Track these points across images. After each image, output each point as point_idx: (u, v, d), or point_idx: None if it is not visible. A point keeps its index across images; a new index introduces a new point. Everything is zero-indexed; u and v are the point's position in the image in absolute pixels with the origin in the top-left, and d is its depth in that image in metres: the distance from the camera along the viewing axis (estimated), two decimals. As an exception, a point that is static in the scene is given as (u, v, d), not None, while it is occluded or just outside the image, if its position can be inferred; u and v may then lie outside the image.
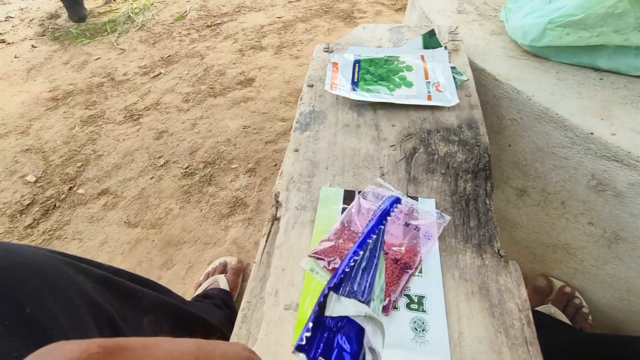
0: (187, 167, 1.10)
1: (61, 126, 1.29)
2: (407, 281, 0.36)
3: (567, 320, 0.65)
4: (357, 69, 0.61)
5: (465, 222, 0.41)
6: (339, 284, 0.25)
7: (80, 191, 1.07)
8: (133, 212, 1.00)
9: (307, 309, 0.35)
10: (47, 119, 1.32)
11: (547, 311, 0.67)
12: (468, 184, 0.45)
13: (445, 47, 0.65)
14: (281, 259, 0.39)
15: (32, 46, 1.73)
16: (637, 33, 0.53)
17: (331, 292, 0.23)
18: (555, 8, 0.58)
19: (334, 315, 0.22)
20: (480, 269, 0.37)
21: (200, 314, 0.54)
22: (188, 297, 0.79)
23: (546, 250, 0.70)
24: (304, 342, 0.21)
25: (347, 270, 0.26)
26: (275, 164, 1.09)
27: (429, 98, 0.55)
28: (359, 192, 0.44)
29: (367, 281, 0.27)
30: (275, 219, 0.43)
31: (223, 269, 0.82)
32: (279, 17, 1.78)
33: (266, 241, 0.42)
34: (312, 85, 0.61)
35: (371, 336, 0.22)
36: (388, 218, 0.33)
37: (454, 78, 0.57)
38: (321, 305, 0.22)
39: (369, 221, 0.34)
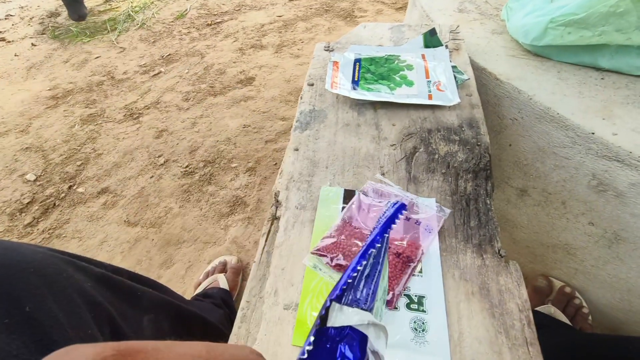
0: (187, 166, 1.10)
1: (61, 125, 1.28)
2: (410, 274, 0.36)
3: (567, 321, 0.65)
4: (357, 68, 0.60)
5: (465, 222, 0.41)
6: (341, 295, 0.25)
7: (80, 190, 1.07)
8: (133, 211, 1.00)
9: (307, 308, 0.35)
10: (47, 118, 1.32)
11: (547, 311, 0.67)
12: (468, 184, 0.45)
13: (446, 46, 0.65)
14: (281, 259, 0.39)
15: (32, 44, 1.72)
16: (639, 32, 0.53)
17: (333, 303, 0.23)
18: (556, 7, 0.58)
19: (337, 325, 0.22)
20: (481, 269, 0.37)
21: (200, 313, 0.54)
22: (188, 296, 0.79)
23: (546, 250, 0.70)
24: (305, 356, 0.20)
25: (349, 281, 0.26)
26: (275, 163, 1.09)
27: (430, 97, 0.55)
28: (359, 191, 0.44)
29: (370, 289, 0.27)
30: (275, 218, 0.43)
31: (223, 268, 0.82)
32: (280, 16, 1.78)
33: (266, 240, 0.41)
34: (312, 84, 0.61)
35: (374, 341, 0.22)
36: (393, 225, 0.33)
37: (455, 77, 0.57)
38: (323, 317, 0.22)
39: (373, 229, 0.34)
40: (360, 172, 0.47)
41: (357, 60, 0.62)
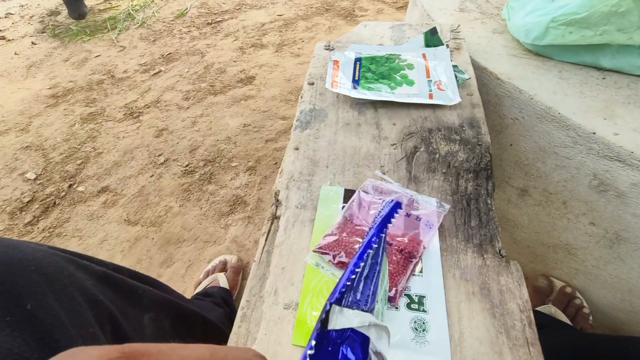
0: (187, 165, 1.10)
1: (61, 123, 1.28)
2: (413, 270, 0.36)
3: (567, 321, 0.65)
4: (358, 67, 0.60)
5: (466, 222, 0.41)
6: (340, 298, 0.25)
7: (80, 189, 1.07)
8: (133, 210, 1.00)
9: (307, 308, 0.35)
10: (47, 116, 1.32)
11: (547, 311, 0.67)
12: (469, 184, 0.45)
13: (447, 46, 0.64)
14: (281, 258, 0.39)
15: (32, 43, 1.72)
16: (640, 32, 0.53)
17: (333, 306, 0.23)
18: (558, 6, 0.58)
19: (338, 328, 0.22)
20: (481, 269, 0.37)
21: (200, 312, 0.54)
22: (188, 295, 0.79)
23: (547, 251, 0.69)
24: None
25: (348, 284, 0.26)
26: (276, 163, 1.08)
27: (431, 96, 0.55)
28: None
29: (370, 289, 0.27)
30: (275, 217, 0.43)
31: (223, 267, 0.82)
32: (280, 15, 1.78)
33: (266, 240, 0.41)
34: (312, 83, 0.61)
35: (376, 341, 0.22)
36: (389, 225, 0.33)
37: (456, 76, 0.57)
38: (323, 321, 0.22)
39: (370, 229, 0.33)
40: (361, 171, 0.47)
41: (358, 60, 0.62)
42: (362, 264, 0.28)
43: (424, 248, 0.38)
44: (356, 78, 0.58)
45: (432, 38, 0.66)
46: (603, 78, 0.59)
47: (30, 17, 1.93)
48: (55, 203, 1.03)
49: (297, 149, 0.50)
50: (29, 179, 1.10)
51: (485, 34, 0.71)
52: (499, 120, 0.65)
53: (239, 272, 0.83)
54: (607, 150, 0.51)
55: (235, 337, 0.34)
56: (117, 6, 1.95)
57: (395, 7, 1.76)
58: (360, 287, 0.26)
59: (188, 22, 1.78)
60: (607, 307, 0.65)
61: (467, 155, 0.48)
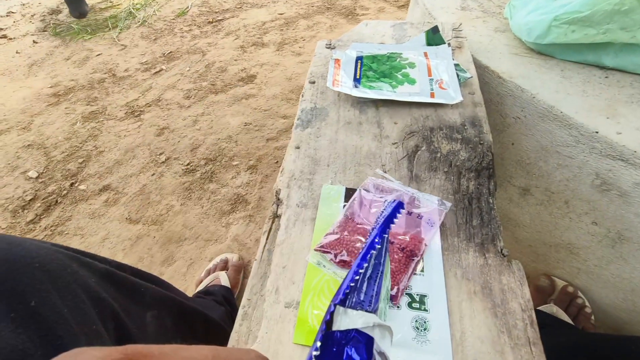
0: (188, 164, 1.10)
1: (62, 122, 1.29)
2: (414, 269, 0.36)
3: (569, 320, 0.65)
4: (359, 66, 0.60)
5: (468, 221, 0.41)
6: (344, 299, 0.25)
7: (82, 187, 1.07)
8: (134, 208, 1.00)
9: (308, 307, 0.35)
10: (48, 115, 1.32)
11: (549, 311, 0.67)
12: (471, 183, 0.45)
13: (449, 44, 0.64)
14: (282, 257, 0.39)
15: (34, 42, 1.72)
16: (644, 30, 0.53)
17: (337, 307, 0.23)
18: (560, 5, 0.57)
19: (342, 329, 0.22)
20: (483, 268, 0.37)
21: (202, 310, 0.54)
22: (189, 293, 0.79)
23: (549, 250, 0.69)
24: None
25: (352, 285, 0.26)
26: (277, 161, 1.08)
27: (432, 95, 0.54)
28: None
29: (373, 289, 0.27)
30: (276, 216, 0.43)
31: (224, 266, 0.82)
32: (281, 14, 1.77)
33: (267, 239, 0.41)
34: (313, 82, 0.61)
35: (380, 341, 0.22)
36: (391, 225, 0.33)
37: (458, 75, 0.57)
38: (328, 322, 0.22)
39: (372, 229, 0.33)
40: (362, 170, 0.47)
41: (359, 58, 0.62)
42: (365, 265, 0.28)
43: (426, 246, 0.38)
44: (357, 77, 0.58)
45: (433, 37, 0.65)
46: (606, 77, 0.59)
47: (32, 15, 1.93)
48: (57, 201, 1.03)
49: (298, 147, 0.50)
50: (31, 178, 1.10)
51: (487, 32, 0.71)
52: (500, 119, 0.65)
53: (240, 271, 0.83)
54: (610, 149, 0.50)
55: (237, 336, 0.34)
56: (118, 5, 1.95)
57: (396, 5, 1.76)
58: (364, 288, 0.26)
59: (189, 21, 1.78)
60: (609, 307, 0.65)
61: (469, 154, 0.48)
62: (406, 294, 0.35)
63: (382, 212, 0.35)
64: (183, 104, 1.31)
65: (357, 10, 1.73)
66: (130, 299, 0.41)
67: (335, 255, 0.37)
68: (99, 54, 1.61)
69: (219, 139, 1.17)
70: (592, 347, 0.48)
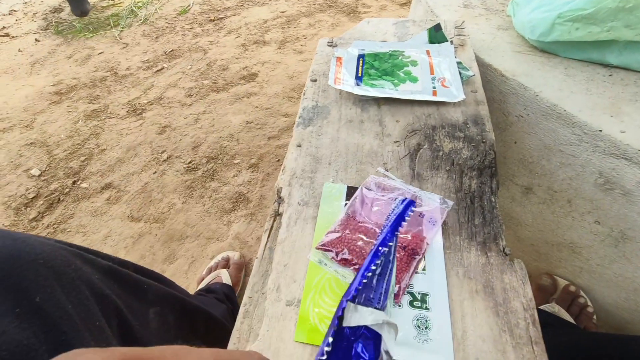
0: (190, 162, 1.10)
1: (65, 120, 1.29)
2: (416, 267, 0.36)
3: (571, 320, 0.65)
4: (361, 64, 0.60)
5: (470, 220, 0.41)
6: (356, 295, 0.25)
7: (84, 185, 1.07)
8: (136, 206, 1.00)
9: (309, 305, 0.35)
10: (50, 113, 1.32)
11: (551, 310, 0.66)
12: (473, 181, 0.45)
13: (451, 42, 0.64)
14: (283, 255, 0.39)
15: (36, 40, 1.73)
16: (649, 28, 0.52)
17: (349, 303, 0.23)
18: (564, 2, 0.57)
19: (352, 325, 0.22)
20: (485, 267, 0.37)
21: (204, 308, 0.54)
22: (190, 291, 0.79)
23: (551, 249, 0.69)
24: (324, 357, 0.20)
25: (364, 281, 0.26)
26: (278, 160, 1.08)
27: (434, 93, 0.54)
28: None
29: (382, 287, 0.27)
30: (278, 214, 0.43)
31: (225, 264, 0.82)
32: (283, 12, 1.77)
33: (268, 237, 0.41)
34: (315, 80, 0.60)
35: (387, 340, 0.22)
36: (403, 223, 0.33)
37: (460, 73, 0.56)
38: (340, 318, 0.22)
39: (383, 227, 0.33)
40: (364, 168, 0.47)
41: (361, 56, 0.61)
42: (377, 262, 0.28)
43: (427, 245, 0.38)
44: (359, 75, 0.58)
45: (436, 34, 0.65)
46: (610, 75, 0.59)
47: (34, 14, 1.93)
48: (59, 199, 1.04)
49: (299, 146, 0.50)
50: (34, 176, 1.10)
51: (489, 30, 0.71)
52: (503, 117, 0.64)
53: (242, 269, 0.83)
54: (614, 148, 0.50)
55: (238, 334, 0.34)
56: (119, 3, 1.95)
57: (398, 3, 1.75)
58: (374, 285, 0.26)
59: (190, 19, 1.78)
60: (612, 306, 0.65)
61: (471, 152, 0.47)
62: (408, 292, 0.35)
63: (393, 209, 0.35)
64: (185, 102, 1.31)
65: (359, 8, 1.73)
66: (133, 295, 0.41)
67: (337, 254, 0.37)
68: (100, 52, 1.61)
69: (220, 137, 1.17)
70: (594, 346, 0.48)
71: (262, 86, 1.34)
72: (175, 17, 1.81)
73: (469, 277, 0.36)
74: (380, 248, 0.29)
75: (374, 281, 0.27)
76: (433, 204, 0.41)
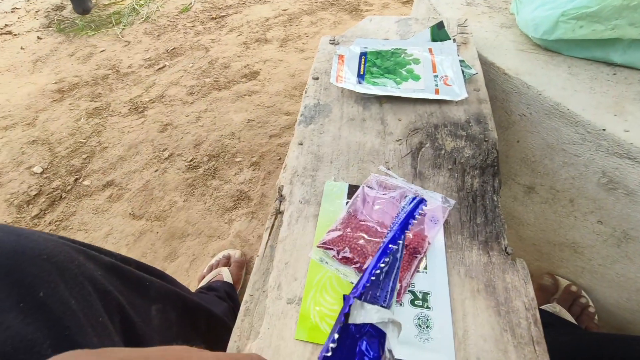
0: (191, 160, 1.10)
1: (67, 118, 1.29)
2: (417, 266, 0.36)
3: (572, 320, 0.65)
4: (363, 62, 0.60)
5: (472, 219, 0.41)
6: (363, 292, 0.25)
7: (86, 183, 1.08)
8: (137, 204, 1.01)
9: (310, 303, 0.34)
10: (53, 111, 1.32)
11: (552, 310, 0.66)
12: (475, 180, 0.44)
13: (454, 40, 0.63)
14: (284, 253, 0.39)
15: (38, 38, 1.73)
16: (654, 26, 0.52)
17: (356, 300, 0.23)
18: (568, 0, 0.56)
19: (358, 322, 0.22)
20: (487, 266, 0.37)
21: (205, 305, 0.54)
22: (192, 289, 0.79)
23: (553, 249, 0.69)
24: (330, 354, 0.20)
25: (372, 279, 0.26)
26: (280, 158, 1.08)
27: (437, 92, 0.54)
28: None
29: (389, 286, 0.27)
30: (279, 212, 0.43)
31: (226, 262, 0.82)
32: (284, 10, 1.76)
33: (269, 235, 0.41)
34: (317, 78, 0.60)
35: (391, 338, 0.22)
36: (413, 221, 0.33)
37: (463, 72, 0.56)
38: (347, 315, 0.22)
39: (392, 224, 0.33)
40: (365, 167, 0.47)
41: (363, 54, 0.61)
42: (386, 260, 0.28)
43: (429, 244, 0.38)
44: (361, 73, 0.58)
45: (438, 32, 0.65)
46: (614, 74, 0.58)
47: (36, 12, 1.93)
48: (61, 197, 1.04)
49: (301, 144, 0.50)
50: (36, 173, 1.11)
51: (492, 28, 0.70)
52: (506, 116, 0.64)
53: (243, 267, 0.83)
54: (617, 147, 0.50)
55: (239, 332, 0.34)
56: (121, 1, 1.95)
57: (401, 1, 1.74)
58: (382, 283, 0.26)
59: (192, 17, 1.78)
60: (613, 307, 0.65)
61: (474, 151, 0.47)
62: (409, 291, 0.35)
63: (403, 207, 0.35)
64: (186, 101, 1.31)
65: (361, 6, 1.72)
66: (136, 292, 0.41)
67: (338, 252, 0.37)
68: (102, 50, 1.61)
69: (222, 135, 1.17)
70: (595, 347, 0.47)
71: (264, 84, 1.34)
72: (177, 15, 1.81)
73: (470, 276, 0.36)
74: (390, 245, 0.29)
75: (381, 279, 0.27)
76: (435, 203, 0.41)
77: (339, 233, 0.39)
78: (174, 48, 1.58)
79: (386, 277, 0.27)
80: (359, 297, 0.24)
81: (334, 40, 0.67)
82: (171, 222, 0.95)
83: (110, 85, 1.42)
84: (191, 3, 1.88)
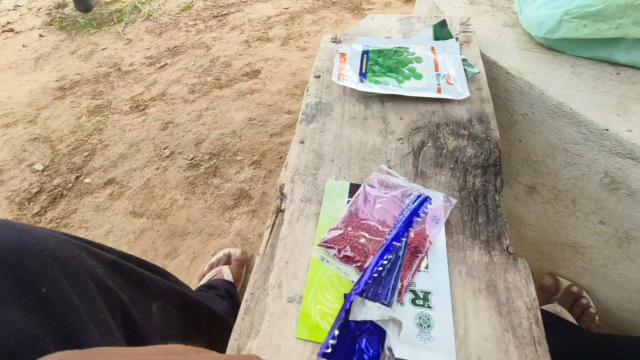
0: (192, 159, 1.10)
1: (68, 115, 1.29)
2: (418, 265, 0.36)
3: (573, 320, 0.64)
4: (365, 60, 0.59)
5: (473, 218, 0.40)
6: (365, 289, 0.24)
7: (87, 180, 1.08)
8: (138, 202, 1.01)
9: (311, 301, 0.34)
10: (54, 108, 1.33)
11: (553, 310, 0.66)
12: (477, 180, 0.44)
13: (457, 39, 0.63)
14: (285, 252, 0.39)
15: (40, 35, 1.73)
16: (658, 25, 0.51)
17: (357, 297, 0.23)
18: (572, -1, 0.56)
19: (358, 319, 0.21)
20: (488, 266, 0.37)
21: (206, 303, 0.54)
22: (192, 287, 0.79)
23: (554, 249, 0.68)
24: (329, 350, 0.20)
25: (375, 275, 0.26)
26: (281, 157, 1.08)
27: (439, 91, 0.54)
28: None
29: (390, 283, 0.27)
30: (280, 211, 0.43)
31: (227, 260, 0.82)
32: (286, 8, 1.76)
33: (270, 233, 0.41)
34: (319, 76, 0.60)
35: (391, 337, 0.22)
36: (417, 219, 0.33)
37: (465, 70, 0.56)
38: (347, 312, 0.22)
39: (396, 222, 0.33)
40: (367, 165, 0.46)
41: (365, 52, 0.61)
42: (389, 257, 0.27)
43: (430, 243, 0.38)
44: (363, 71, 0.57)
45: (441, 31, 0.64)
46: (617, 73, 0.58)
47: (38, 9, 1.93)
48: (62, 194, 1.04)
49: (302, 142, 0.50)
50: (37, 170, 1.11)
51: (495, 27, 0.70)
52: (508, 115, 0.64)
53: (243, 265, 0.83)
54: (620, 147, 0.49)
55: (239, 330, 0.34)
56: (123, -2, 1.95)
57: (402, 0, 1.73)
58: (383, 281, 0.26)
59: (194, 15, 1.78)
60: (614, 307, 0.65)
61: (476, 150, 0.47)
62: (410, 290, 0.35)
63: (407, 205, 0.35)
64: (187, 99, 1.31)
65: (363, 5, 1.72)
66: (137, 289, 0.41)
67: (339, 251, 0.37)
68: (104, 48, 1.61)
69: (223, 133, 1.17)
70: (596, 347, 0.47)
71: (265, 83, 1.34)
72: (178, 13, 1.80)
73: (472, 275, 0.36)
74: (393, 243, 0.28)
75: (383, 276, 0.26)
76: (436, 202, 0.40)
77: (340, 232, 0.38)
78: (175, 46, 1.58)
79: (388, 275, 0.27)
80: (361, 294, 0.23)
81: (336, 38, 0.67)
82: (172, 220, 0.95)
83: (111, 83, 1.42)
84: (193, 1, 1.88)
